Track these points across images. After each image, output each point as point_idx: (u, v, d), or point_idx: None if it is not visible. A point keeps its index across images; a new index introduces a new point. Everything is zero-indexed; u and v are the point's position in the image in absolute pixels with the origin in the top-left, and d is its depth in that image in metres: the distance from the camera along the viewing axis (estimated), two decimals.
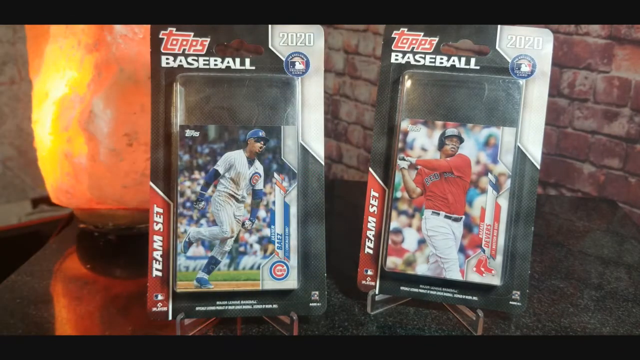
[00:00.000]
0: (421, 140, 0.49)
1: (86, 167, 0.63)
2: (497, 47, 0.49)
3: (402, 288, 0.51)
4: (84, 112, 0.62)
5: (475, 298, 0.50)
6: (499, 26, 0.49)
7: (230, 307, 0.47)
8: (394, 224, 0.50)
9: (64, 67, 0.63)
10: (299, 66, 0.47)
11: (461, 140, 0.48)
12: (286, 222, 0.47)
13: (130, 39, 0.61)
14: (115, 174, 0.64)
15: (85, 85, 0.62)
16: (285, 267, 0.47)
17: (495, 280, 0.48)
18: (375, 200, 0.51)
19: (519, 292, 0.49)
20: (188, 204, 0.46)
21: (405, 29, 0.50)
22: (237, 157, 0.46)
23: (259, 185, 0.47)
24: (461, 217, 0.49)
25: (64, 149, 0.64)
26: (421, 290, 0.51)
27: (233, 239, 0.47)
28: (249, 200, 0.47)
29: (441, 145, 0.49)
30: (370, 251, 0.52)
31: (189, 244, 0.46)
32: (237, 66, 0.47)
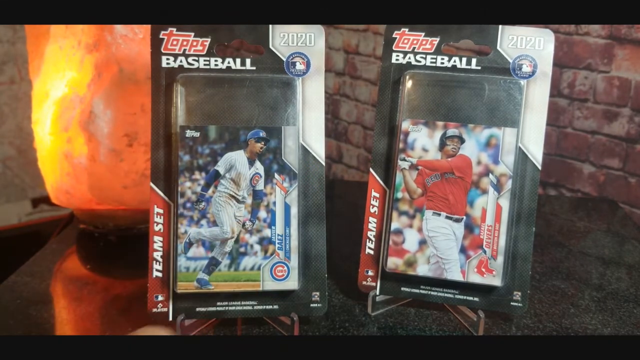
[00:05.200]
0: (422, 140, 0.49)
1: (86, 167, 0.63)
2: (498, 48, 0.48)
3: (402, 289, 0.51)
4: (84, 113, 0.62)
5: (476, 299, 0.50)
6: (500, 26, 0.48)
7: (230, 308, 0.47)
8: (394, 225, 0.50)
9: (64, 67, 0.63)
10: (300, 66, 0.47)
11: (462, 140, 0.48)
12: (287, 222, 0.47)
13: (130, 39, 0.61)
14: (115, 174, 0.64)
15: (85, 86, 0.62)
16: (285, 268, 0.47)
17: (496, 281, 0.48)
18: (376, 201, 0.51)
19: (519, 293, 0.49)
20: (188, 205, 0.46)
21: (406, 29, 0.49)
22: (237, 157, 0.46)
23: (260, 185, 0.46)
24: (462, 218, 0.49)
25: (64, 149, 0.64)
26: (422, 291, 0.51)
27: (233, 239, 0.46)
28: (249, 200, 0.46)
29: (442, 145, 0.49)
30: (371, 252, 0.51)
31: (189, 244, 0.46)
32: (238, 66, 0.47)
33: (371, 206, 0.51)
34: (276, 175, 0.46)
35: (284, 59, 0.47)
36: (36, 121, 0.66)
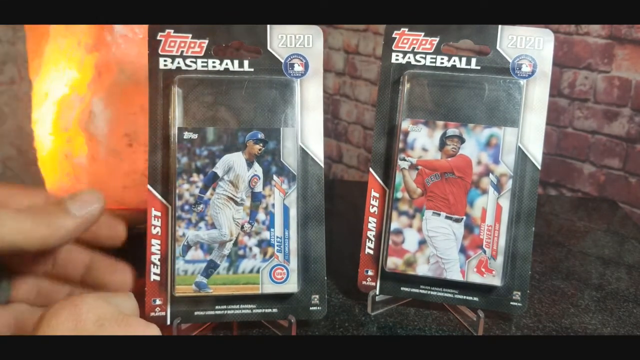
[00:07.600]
0: (422, 140, 0.49)
1: (86, 167, 0.63)
2: (497, 47, 0.48)
3: (402, 288, 0.51)
4: (84, 112, 0.62)
5: (475, 298, 0.50)
6: (499, 26, 0.48)
7: (229, 312, 0.47)
8: (394, 225, 0.50)
9: (64, 67, 0.63)
10: (298, 68, 0.47)
11: (462, 140, 0.48)
12: (286, 224, 0.46)
13: (131, 39, 0.61)
14: (115, 174, 0.64)
15: (85, 86, 0.62)
16: (285, 271, 0.46)
17: (496, 280, 0.48)
18: (376, 201, 0.51)
19: (519, 293, 0.49)
20: (186, 207, 0.46)
21: (406, 29, 0.50)
22: (236, 159, 0.46)
23: (258, 187, 0.46)
24: (462, 218, 0.49)
25: (64, 149, 0.64)
26: (422, 291, 0.51)
27: (232, 242, 0.46)
28: (248, 202, 0.46)
29: (442, 145, 0.49)
30: (371, 252, 0.51)
31: (187, 247, 0.46)
32: (236, 68, 0.47)
33: (371, 206, 0.51)
34: (275, 177, 0.46)
35: (282, 61, 0.47)
36: (36, 121, 0.66)
